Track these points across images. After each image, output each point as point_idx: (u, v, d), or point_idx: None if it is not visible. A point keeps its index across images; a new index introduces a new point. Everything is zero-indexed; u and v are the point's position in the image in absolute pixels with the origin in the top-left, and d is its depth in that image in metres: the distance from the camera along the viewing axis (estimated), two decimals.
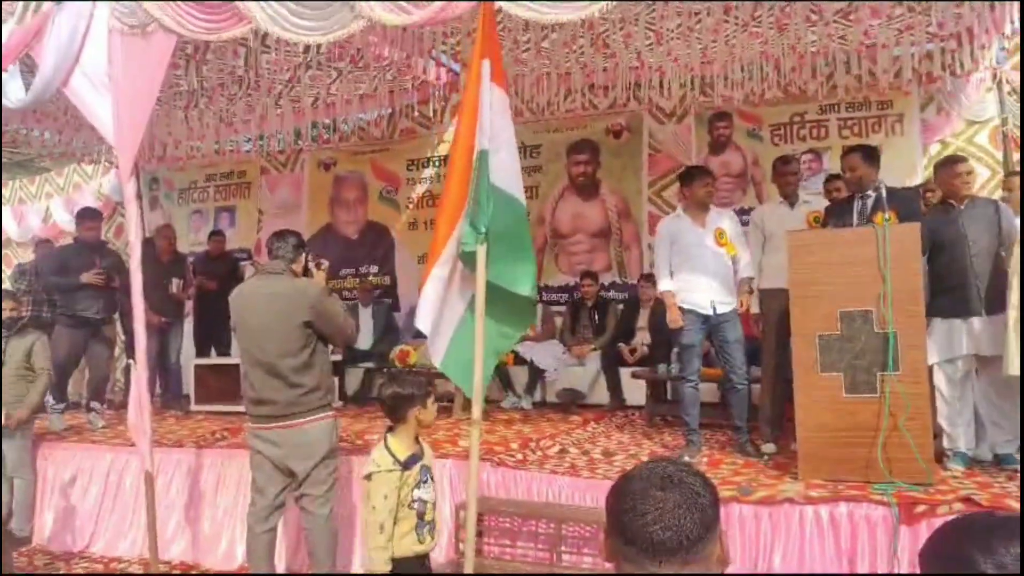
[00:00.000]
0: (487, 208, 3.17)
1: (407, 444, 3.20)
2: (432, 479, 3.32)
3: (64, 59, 4.18)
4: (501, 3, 3.26)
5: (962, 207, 4.32)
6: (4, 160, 11.75)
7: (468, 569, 3.27)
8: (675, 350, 6.44)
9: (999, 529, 1.12)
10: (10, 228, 9.82)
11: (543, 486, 4.33)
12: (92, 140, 7.69)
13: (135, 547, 5.15)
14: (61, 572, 4.91)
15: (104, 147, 7.93)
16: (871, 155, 4.49)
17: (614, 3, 3.06)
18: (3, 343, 5.25)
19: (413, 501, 3.19)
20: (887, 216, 4.07)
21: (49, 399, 6.18)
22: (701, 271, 4.74)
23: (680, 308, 4.76)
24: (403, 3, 3.32)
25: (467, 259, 3.29)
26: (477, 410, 3.31)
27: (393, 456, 3.14)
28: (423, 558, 3.29)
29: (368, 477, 3.19)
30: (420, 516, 3.21)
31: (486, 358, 3.32)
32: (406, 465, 3.15)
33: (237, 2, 3.57)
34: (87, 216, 6.61)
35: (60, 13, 4.21)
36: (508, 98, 3.37)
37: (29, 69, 4.65)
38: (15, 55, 4.31)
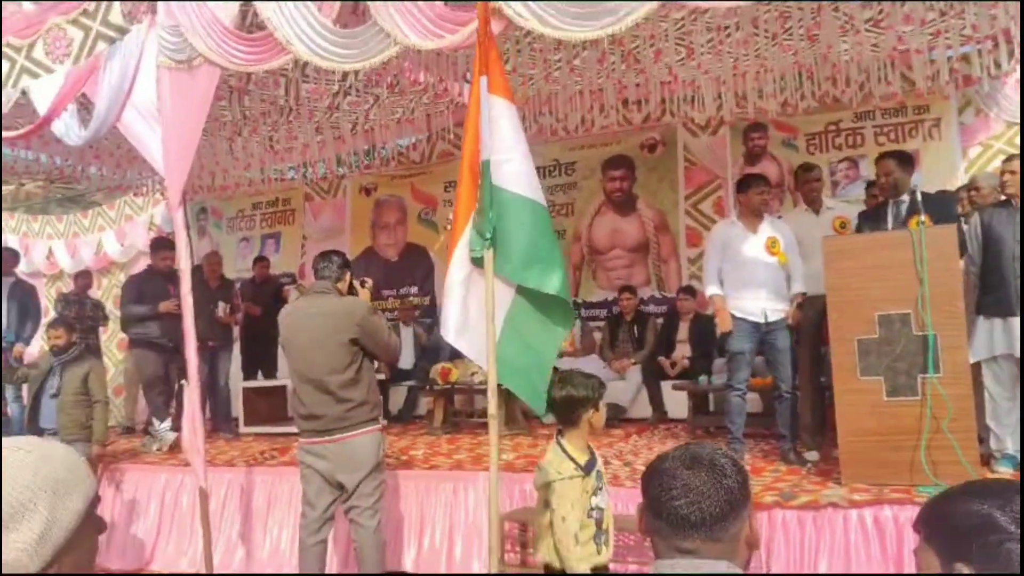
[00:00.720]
0: (490, 215, 3.30)
1: (581, 448, 2.99)
2: (605, 484, 3.12)
3: (117, 96, 4.40)
4: (506, 3, 3.36)
5: (1014, 206, 4.28)
6: (59, 195, 12.23)
7: (493, 568, 3.30)
8: (720, 360, 6.46)
9: (1010, 491, 1.16)
10: (63, 261, 10.17)
11: None
12: (143, 173, 7.98)
13: (193, 565, 5.30)
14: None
15: (155, 179, 8.22)
16: (905, 160, 4.51)
17: (631, 22, 3.14)
18: (60, 370, 5.47)
19: (592, 509, 2.97)
20: (922, 219, 4.07)
21: (155, 421, 6.52)
22: (752, 279, 4.77)
23: (732, 315, 4.78)
24: (435, 28, 3.45)
25: (478, 264, 3.40)
26: (492, 404, 3.35)
27: (573, 461, 2.93)
28: (602, 570, 3.02)
29: (548, 486, 2.95)
30: (598, 525, 3.00)
31: (539, 357, 3.39)
32: (586, 470, 2.95)
33: (275, 28, 3.73)
34: (163, 246, 6.72)
35: (113, 55, 4.44)
36: (514, 108, 3.48)
37: (85, 107, 4.90)
38: (72, 95, 4.55)
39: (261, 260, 8.60)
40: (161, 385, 6.75)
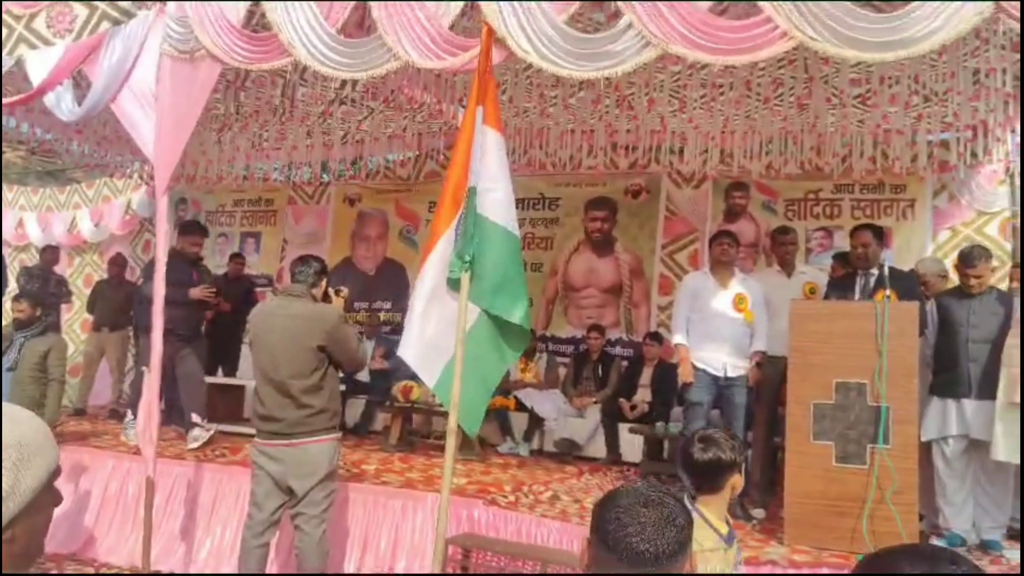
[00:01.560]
0: (473, 239, 3.43)
1: (720, 516, 2.66)
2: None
3: (115, 77, 4.41)
4: (510, 35, 3.47)
5: (976, 296, 4.42)
6: (38, 168, 12.09)
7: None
8: (678, 409, 6.53)
9: (941, 558, 1.21)
10: (34, 233, 10.05)
11: (532, 528, 4.40)
12: (126, 155, 7.94)
13: (131, 556, 5.20)
14: (53, 572, 4.98)
15: (138, 163, 8.18)
16: (880, 234, 4.67)
17: (628, 68, 3.25)
18: (20, 344, 5.40)
19: None
20: (887, 294, 4.20)
21: (196, 419, 6.03)
22: (717, 332, 4.85)
23: (693, 365, 4.85)
24: (436, 49, 3.53)
25: (452, 286, 3.52)
26: (453, 418, 3.43)
27: (715, 530, 2.60)
28: None
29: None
30: None
31: (485, 380, 3.50)
32: (728, 540, 2.64)
33: (280, 30, 3.78)
34: (194, 230, 6.41)
35: (116, 35, 4.46)
36: (504, 140, 3.68)
37: (78, 84, 4.90)
38: (69, 70, 4.55)
39: (237, 257, 8.55)
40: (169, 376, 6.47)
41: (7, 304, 6.80)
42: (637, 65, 3.28)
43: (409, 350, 3.57)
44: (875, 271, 4.47)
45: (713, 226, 7.66)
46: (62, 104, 4.64)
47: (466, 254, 3.43)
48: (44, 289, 7.76)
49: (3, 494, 1.10)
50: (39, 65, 4.58)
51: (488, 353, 3.58)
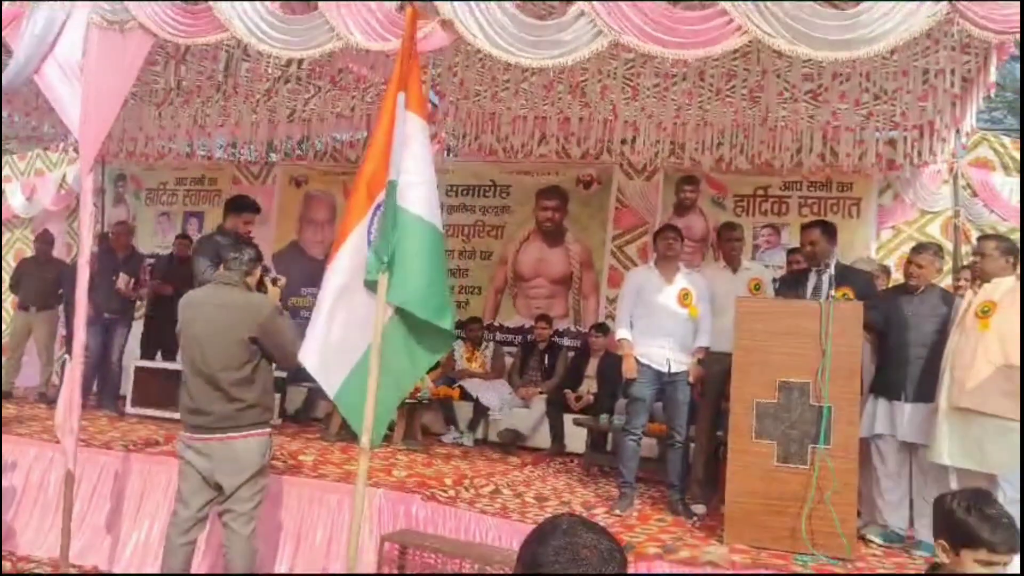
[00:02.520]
0: (391, 238, 3.21)
1: None
2: None
3: (38, 48, 4.16)
4: (458, 20, 3.33)
5: (917, 294, 4.45)
6: None
7: None
8: (622, 401, 6.50)
9: None
10: None
11: (472, 525, 4.31)
12: (60, 128, 7.59)
13: (53, 550, 4.97)
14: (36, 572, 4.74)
15: (72, 137, 7.83)
16: (830, 231, 4.65)
17: (578, 57, 3.15)
18: None
19: None
20: (845, 292, 4.21)
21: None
22: (660, 327, 4.80)
23: (636, 360, 4.80)
24: (382, 31, 3.38)
25: (370, 287, 3.31)
26: (366, 438, 3.28)
27: None
28: None
29: None
30: None
31: (396, 387, 3.34)
32: None
33: (216, 5, 3.59)
34: (247, 208, 5.81)
35: (40, 4, 4.20)
36: (428, 126, 3.44)
37: (4, 52, 4.62)
38: None
39: (183, 238, 8.25)
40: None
41: None
42: (589, 54, 3.18)
43: (311, 356, 3.37)
44: (830, 268, 4.45)
45: (663, 219, 7.63)
46: None
47: (384, 254, 3.22)
48: None
49: None
50: None
51: (400, 358, 3.39)
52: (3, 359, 7.86)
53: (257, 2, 3.54)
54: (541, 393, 7.14)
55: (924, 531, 4.22)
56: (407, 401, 6.36)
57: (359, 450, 3.27)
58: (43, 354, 7.70)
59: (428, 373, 6.39)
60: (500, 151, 7.35)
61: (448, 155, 8.26)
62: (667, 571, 3.73)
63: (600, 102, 6.39)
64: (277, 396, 7.05)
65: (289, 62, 6.26)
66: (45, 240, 7.99)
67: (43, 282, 7.62)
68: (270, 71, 6.57)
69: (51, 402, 7.01)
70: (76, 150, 8.22)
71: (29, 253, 8.97)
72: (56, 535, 4.82)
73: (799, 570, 3.65)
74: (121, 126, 7.64)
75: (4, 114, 7.44)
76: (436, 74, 6.47)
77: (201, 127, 7.81)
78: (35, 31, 4.12)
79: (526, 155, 7.32)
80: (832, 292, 4.28)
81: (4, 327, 5.05)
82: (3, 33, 4.20)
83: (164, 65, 6.46)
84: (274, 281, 4.06)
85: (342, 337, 3.36)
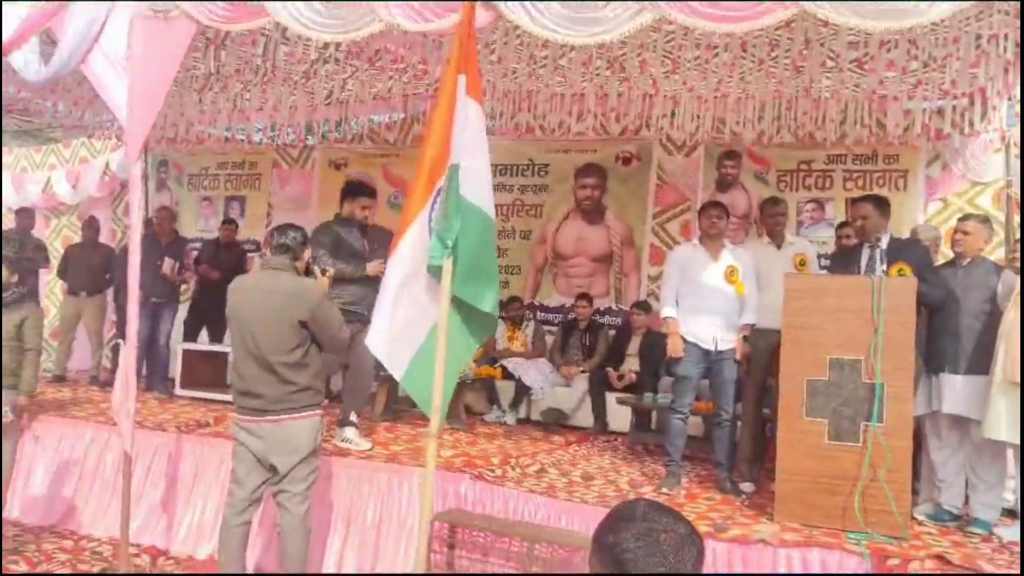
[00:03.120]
0: (455, 222, 3.18)
1: None
2: None
3: (84, 38, 4.20)
4: (502, 4, 3.28)
5: (963, 266, 4.36)
6: (15, 128, 11.77)
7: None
8: (666, 379, 6.48)
9: None
10: (6, 194, 9.79)
11: (520, 504, 4.34)
12: (104, 116, 7.70)
13: (111, 529, 5.12)
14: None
15: (116, 124, 7.94)
16: (882, 205, 4.55)
17: (622, 33, 3.10)
18: None
19: None
20: (900, 268, 4.13)
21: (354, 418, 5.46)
22: (707, 305, 4.75)
23: (682, 339, 4.77)
24: (423, 11, 3.35)
25: (434, 272, 3.30)
26: (435, 423, 3.25)
27: None
28: None
29: None
30: None
31: (449, 371, 3.34)
32: None
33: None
34: (363, 192, 5.65)
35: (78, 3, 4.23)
36: (483, 111, 3.41)
37: (50, 42, 4.68)
38: (33, 31, 4.34)
39: (229, 223, 8.37)
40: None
41: None
42: (632, 30, 3.13)
43: (377, 341, 3.38)
44: (883, 243, 4.35)
45: (704, 196, 7.55)
46: (29, 65, 4.43)
47: (448, 238, 3.19)
48: (21, 254, 7.56)
49: None
50: (5, 23, 4.36)
51: (455, 341, 3.39)
52: (55, 344, 8.06)
53: None
54: (583, 372, 7.13)
55: (980, 509, 4.15)
56: None
57: (426, 434, 3.27)
58: (93, 338, 7.86)
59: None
60: (537, 129, 7.29)
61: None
62: (718, 550, 3.72)
63: (639, 76, 6.30)
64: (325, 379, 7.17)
65: (326, 44, 6.27)
66: (92, 226, 8.14)
67: (91, 267, 7.77)
68: (308, 53, 6.57)
69: (103, 385, 7.18)
70: (119, 137, 8.36)
71: (75, 239, 9.15)
72: (114, 515, 4.97)
73: (852, 548, 3.62)
74: (163, 112, 7.72)
75: (48, 104, 7.57)
76: None
77: (241, 111, 7.86)
78: (79, 22, 4.16)
79: (564, 133, 7.26)
80: (885, 268, 4.20)
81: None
82: (48, 24, 4.25)
83: (204, 51, 6.49)
84: (324, 272, 4.08)
85: (406, 322, 3.37)
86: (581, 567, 3.51)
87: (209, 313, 7.61)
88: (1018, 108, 6.10)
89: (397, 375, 3.52)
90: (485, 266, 3.35)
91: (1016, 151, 6.45)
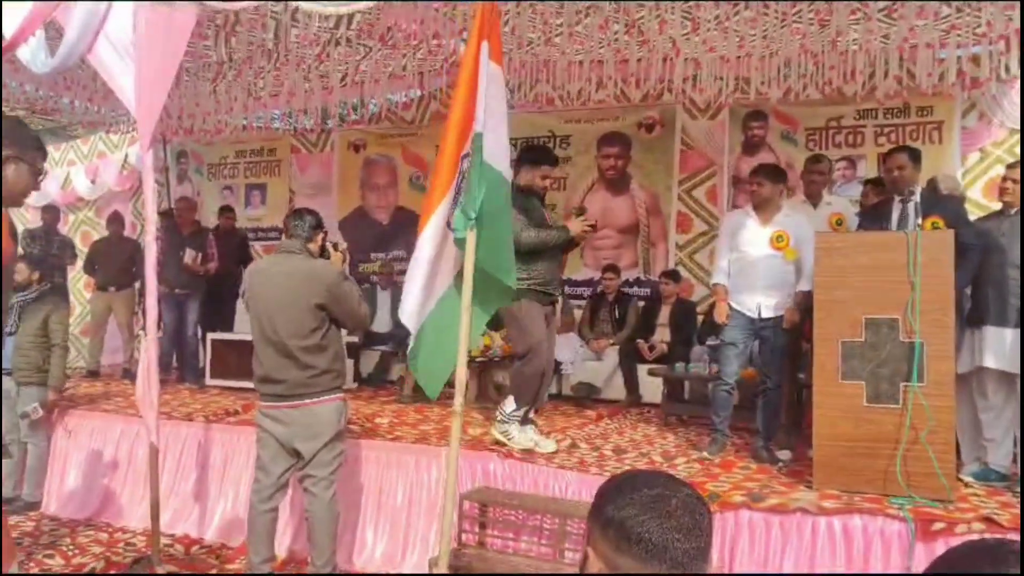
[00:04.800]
0: (479, 193, 3.05)
1: None
2: None
3: (89, 26, 4.13)
4: None
5: (1010, 215, 4.17)
6: (37, 128, 11.85)
7: (442, 568, 3.12)
8: (698, 348, 6.35)
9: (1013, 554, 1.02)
10: None
11: (550, 480, 4.25)
12: (120, 110, 7.69)
13: (144, 520, 5.13)
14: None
15: (132, 118, 7.93)
16: (916, 156, 4.38)
17: None
18: (19, 308, 5.26)
19: None
20: (933, 222, 3.95)
21: None
22: (751, 271, 4.65)
23: (729, 306, 4.65)
24: None
25: (460, 246, 3.16)
26: (459, 400, 3.12)
27: None
28: None
29: None
30: None
31: (457, 343, 3.22)
32: None
33: None
34: (548, 159, 5.03)
35: None
36: (503, 73, 3.28)
37: (56, 34, 4.63)
38: (40, 22, 4.28)
39: (226, 211, 8.31)
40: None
41: None
42: None
43: (408, 315, 3.29)
44: (917, 196, 4.17)
45: (732, 159, 7.36)
46: (36, 58, 4.38)
47: (472, 210, 3.04)
48: (47, 251, 7.62)
49: None
50: (11, 16, 4.31)
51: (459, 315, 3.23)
52: (85, 340, 8.12)
53: None
54: (613, 344, 7.02)
55: None
56: (478, 359, 6.32)
57: (452, 412, 3.13)
58: (124, 331, 7.90)
59: (498, 330, 6.33)
60: (557, 100, 7.12)
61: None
62: (755, 520, 3.61)
63: (659, 38, 6.11)
64: (351, 361, 7.13)
65: (338, 23, 6.16)
66: (116, 220, 8.17)
67: (118, 261, 7.81)
68: (319, 35, 6.47)
69: (135, 378, 7.20)
70: (136, 130, 8.36)
71: (94, 235, 9.22)
72: (147, 506, 4.95)
73: (895, 514, 3.48)
74: (178, 103, 7.69)
75: (65, 101, 7.58)
76: None
77: (256, 98, 7.80)
78: (84, 10, 4.10)
79: (583, 102, 7.09)
80: (919, 221, 4.02)
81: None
82: (53, 14, 4.19)
83: (215, 38, 6.43)
84: (335, 247, 4.01)
85: (435, 296, 3.28)
86: None
87: (219, 302, 7.57)
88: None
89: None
90: (503, 232, 3.22)
91: None
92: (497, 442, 4.57)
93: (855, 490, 3.78)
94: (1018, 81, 6.12)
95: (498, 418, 4.63)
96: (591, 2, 3.02)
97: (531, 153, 5.02)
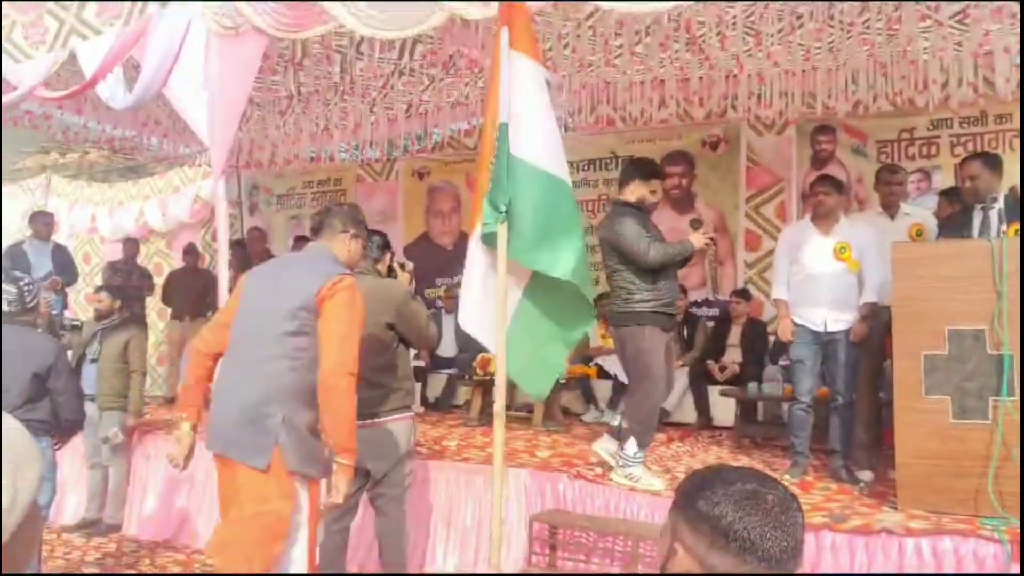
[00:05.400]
0: (505, 184, 2.96)
1: None
2: None
3: (164, 61, 4.31)
4: None
5: None
6: (119, 165, 12.37)
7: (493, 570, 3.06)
8: (773, 369, 6.19)
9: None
10: (103, 226, 10.25)
11: (622, 502, 4.17)
12: (193, 145, 7.98)
13: None
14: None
15: (204, 151, 8.21)
16: (993, 163, 4.20)
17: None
18: (101, 336, 5.45)
19: None
20: (1017, 229, 3.79)
21: None
22: (815, 284, 4.53)
23: (792, 321, 4.53)
24: None
25: (489, 241, 3.07)
26: (500, 401, 3.06)
27: None
28: None
29: None
30: None
31: (550, 355, 3.16)
32: None
33: (321, 1, 3.59)
34: (657, 173, 4.98)
35: (163, 17, 4.36)
36: (542, 69, 3.17)
37: (134, 70, 4.84)
38: (120, 58, 4.48)
39: (301, 240, 8.46)
40: None
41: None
42: None
43: (468, 321, 3.26)
44: (999, 203, 4.00)
45: (800, 175, 7.21)
46: (115, 94, 4.58)
47: (500, 202, 2.96)
48: (127, 282, 7.90)
49: (8, 505, 0.99)
50: (90, 55, 4.53)
51: (548, 320, 3.20)
52: (162, 368, 8.37)
53: None
54: (682, 366, 6.88)
55: None
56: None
57: (494, 414, 3.11)
58: None
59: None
60: (618, 120, 7.11)
61: (565, 131, 8.10)
62: (838, 542, 3.47)
63: (721, 55, 6.05)
64: (418, 385, 7.17)
65: (401, 53, 6.28)
66: (191, 252, 8.43)
67: (193, 292, 8.03)
68: (383, 66, 6.61)
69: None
70: (209, 164, 8.65)
71: (166, 266, 9.53)
72: None
73: (988, 535, 3.30)
74: (249, 136, 7.94)
75: (143, 139, 7.90)
76: (547, 48, 6.32)
77: (324, 130, 7.99)
78: (159, 45, 4.27)
79: (645, 122, 7.06)
80: (1004, 228, 3.86)
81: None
82: (131, 51, 4.38)
83: (284, 73, 6.63)
84: (402, 266, 4.04)
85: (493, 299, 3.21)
86: None
87: None
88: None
89: (491, 348, 3.30)
90: (556, 232, 3.10)
91: None
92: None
93: (943, 511, 3.60)
94: None
95: (619, 463, 4.32)
96: (647, 11, 2.99)
97: (639, 167, 4.79)
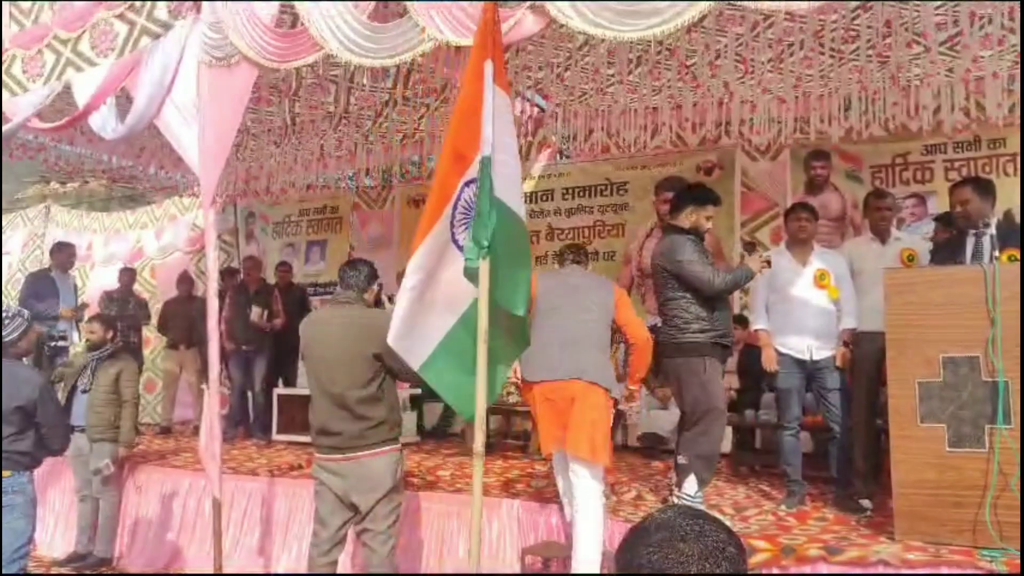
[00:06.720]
0: (489, 220, 2.92)
1: None
2: None
3: (157, 92, 4.34)
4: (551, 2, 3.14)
5: None
6: (119, 194, 12.41)
7: None
8: (768, 395, 6.13)
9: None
10: (99, 253, 10.25)
11: (616, 533, 4.10)
12: (189, 175, 8.00)
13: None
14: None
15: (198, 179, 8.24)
16: (984, 188, 4.19)
17: (680, 23, 2.91)
18: (94, 366, 5.42)
19: None
20: (1011, 255, 3.77)
21: None
22: (797, 313, 4.51)
23: (776, 351, 4.50)
24: (470, 23, 3.26)
25: (471, 276, 3.02)
26: (480, 440, 3.02)
27: None
28: None
29: None
30: None
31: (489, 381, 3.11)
32: None
33: (309, 22, 3.61)
34: (713, 200, 4.77)
35: (155, 50, 4.38)
36: (511, 102, 3.17)
37: (127, 101, 4.86)
38: (112, 89, 4.51)
39: (282, 266, 8.46)
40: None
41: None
42: (691, 18, 2.94)
43: (397, 337, 3.20)
44: (992, 229, 3.98)
45: (794, 199, 7.19)
46: (107, 124, 4.60)
47: (483, 238, 2.90)
48: (123, 311, 7.87)
49: None
50: (84, 86, 4.55)
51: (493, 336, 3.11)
52: (151, 396, 8.33)
53: (348, 15, 3.52)
54: None
55: None
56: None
57: (473, 454, 3.05)
58: (195, 389, 8.07)
59: None
60: (612, 147, 7.13)
61: (560, 158, 8.13)
62: (835, 572, 3.41)
63: (712, 82, 6.07)
64: (414, 414, 7.12)
65: (395, 83, 6.31)
66: (186, 280, 8.42)
67: (188, 320, 8.00)
68: (378, 95, 6.64)
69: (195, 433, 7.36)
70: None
71: (147, 293, 9.50)
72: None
73: (987, 566, 3.24)
74: (245, 165, 7.95)
75: (139, 167, 7.92)
76: (540, 76, 6.35)
77: (319, 159, 8.00)
78: (152, 77, 4.30)
79: (640, 148, 7.07)
80: (996, 254, 3.83)
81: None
82: (124, 83, 4.40)
83: (279, 103, 6.66)
84: (391, 299, 4.02)
85: (424, 323, 3.19)
86: None
87: (280, 358, 7.63)
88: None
89: (415, 365, 3.25)
90: (519, 267, 3.10)
91: None
92: None
93: (941, 541, 3.55)
94: None
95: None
96: (638, 35, 3.00)
97: (695, 193, 4.64)
